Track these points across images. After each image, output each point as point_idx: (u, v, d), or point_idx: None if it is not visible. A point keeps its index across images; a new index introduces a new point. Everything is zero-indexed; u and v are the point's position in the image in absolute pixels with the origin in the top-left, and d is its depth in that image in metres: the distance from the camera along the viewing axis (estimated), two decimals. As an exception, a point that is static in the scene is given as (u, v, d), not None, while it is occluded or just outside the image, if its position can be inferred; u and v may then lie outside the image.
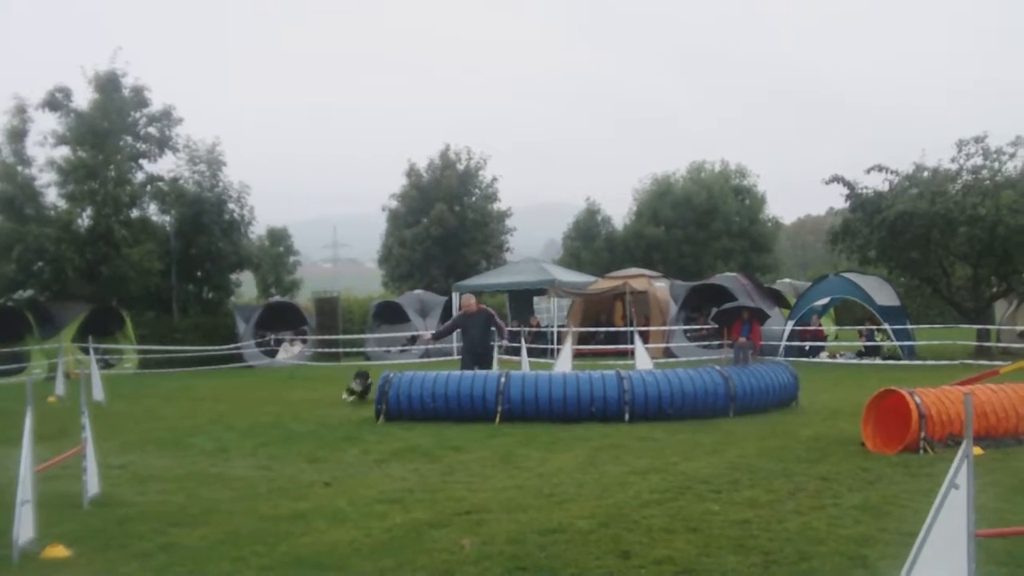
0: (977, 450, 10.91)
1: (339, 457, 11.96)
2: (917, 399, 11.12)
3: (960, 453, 4.65)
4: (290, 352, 34.41)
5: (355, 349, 34.97)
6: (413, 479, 10.24)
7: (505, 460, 11.34)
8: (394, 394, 15.08)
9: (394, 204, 48.90)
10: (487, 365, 17.02)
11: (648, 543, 7.34)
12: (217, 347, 33.29)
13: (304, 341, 35.08)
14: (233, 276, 40.44)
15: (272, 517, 8.53)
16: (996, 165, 28.08)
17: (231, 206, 38.51)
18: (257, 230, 42.85)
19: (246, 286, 45.93)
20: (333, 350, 34.17)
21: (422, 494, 9.41)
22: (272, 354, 34.05)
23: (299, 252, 52.56)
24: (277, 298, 40.83)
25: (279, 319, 35.61)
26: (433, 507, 8.78)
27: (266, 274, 46.94)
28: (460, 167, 47.75)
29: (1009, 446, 11.31)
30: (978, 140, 28.21)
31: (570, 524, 7.95)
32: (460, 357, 18.25)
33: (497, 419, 14.43)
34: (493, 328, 17.49)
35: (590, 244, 52.68)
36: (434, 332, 20.35)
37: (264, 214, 42.56)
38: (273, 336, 34.96)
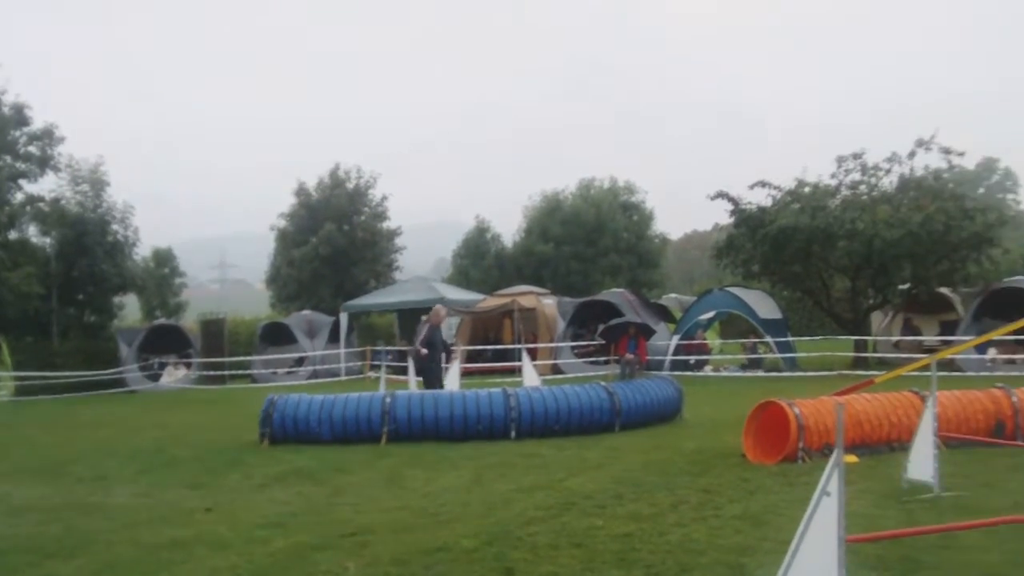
0: (852, 458, 11.21)
1: (222, 482, 11.78)
2: (796, 410, 11.37)
3: (831, 462, 4.77)
4: (174, 376, 33.80)
5: (241, 372, 34.45)
6: (297, 502, 10.14)
7: (391, 481, 11.29)
8: (279, 417, 14.90)
9: (283, 223, 48.41)
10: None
11: (532, 560, 7.37)
12: (98, 372, 32.52)
13: (189, 364, 34.49)
14: (116, 299, 39.66)
15: (152, 545, 8.35)
16: (873, 180, 28.90)
17: (115, 227, 37.80)
18: (142, 251, 42.16)
19: (130, 309, 45.09)
20: (219, 373, 33.60)
21: (306, 517, 9.32)
22: (156, 378, 33.41)
23: (185, 273, 51.72)
24: (162, 321, 40.10)
25: (164, 342, 34.94)
26: (317, 530, 8.70)
27: (151, 296, 46.07)
28: (350, 186, 47.48)
29: (883, 453, 11.63)
30: (856, 156, 28.99)
31: (455, 543, 7.94)
32: (422, 376, 18.29)
33: (383, 440, 14.36)
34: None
35: (479, 262, 52.80)
36: (421, 342, 18.59)
37: (149, 235, 41.88)
38: (157, 360, 34.32)
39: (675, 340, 28.46)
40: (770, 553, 7.09)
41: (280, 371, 34.17)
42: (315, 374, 32.49)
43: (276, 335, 35.41)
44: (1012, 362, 24.35)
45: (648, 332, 24.24)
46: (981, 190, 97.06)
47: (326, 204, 46.36)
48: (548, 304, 32.36)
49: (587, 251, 51.32)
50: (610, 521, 8.61)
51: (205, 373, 33.74)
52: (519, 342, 29.21)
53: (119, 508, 10.24)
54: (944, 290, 28.74)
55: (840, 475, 4.73)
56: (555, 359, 29.92)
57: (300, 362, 34.23)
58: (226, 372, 33.82)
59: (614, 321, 24.93)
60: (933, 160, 28.87)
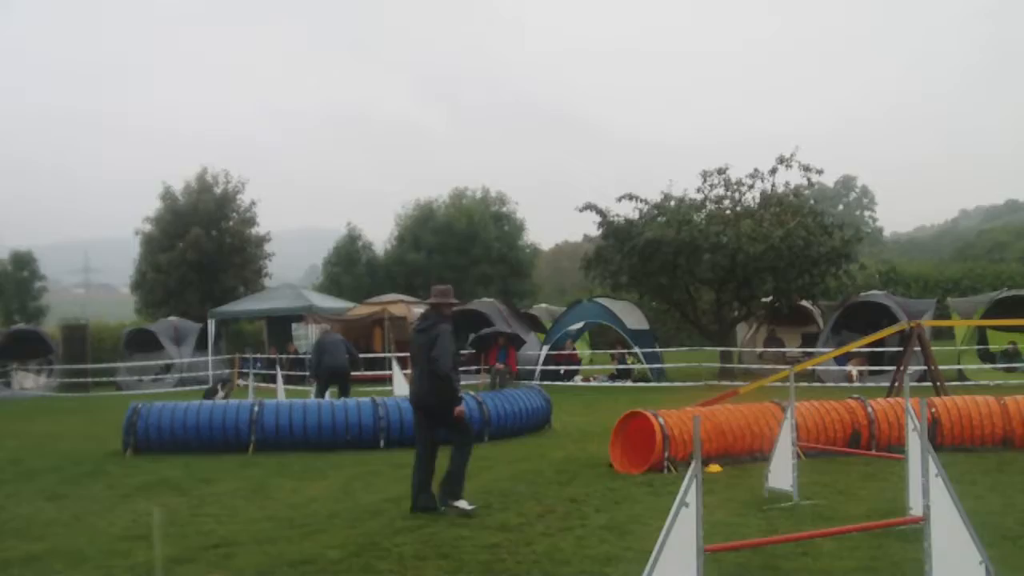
0: (716, 468, 11.45)
1: (82, 493, 11.46)
2: (661, 420, 11.55)
3: (689, 472, 4.86)
4: (35, 383, 32.76)
5: (106, 379, 33.55)
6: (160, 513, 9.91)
7: (257, 491, 11.14)
8: (143, 425, 14.56)
9: (148, 227, 47.15)
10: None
11: (398, 571, 7.35)
12: (-50, 379, 31.36)
13: (50, 371, 33.49)
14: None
15: (3, 561, 8.07)
16: (736, 195, 29.54)
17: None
18: (-2, 253, 40.77)
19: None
20: (82, 380, 32.69)
21: (169, 528, 9.13)
22: (11, 385, 32.34)
23: (46, 277, 50.26)
24: (21, 326, 38.81)
25: (23, 348, 33.83)
26: (180, 542, 8.54)
27: (9, 300, 44.65)
28: (217, 190, 46.57)
29: (746, 463, 11.88)
30: (720, 172, 29.59)
31: (320, 554, 7.88)
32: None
33: (251, 449, 14.16)
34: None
35: (351, 269, 52.42)
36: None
37: (7, 237, 40.55)
38: (15, 366, 33.22)
39: (545, 350, 28.67)
40: (634, 563, 7.18)
41: (146, 378, 33.35)
42: (182, 381, 31.83)
43: (142, 342, 34.50)
44: (862, 374, 25.09)
45: (518, 342, 24.46)
46: (840, 207, 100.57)
47: (193, 208, 45.35)
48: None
49: (459, 260, 51.32)
50: (477, 531, 8.64)
51: (67, 380, 32.80)
52: (389, 351, 29.12)
53: (-31, 522, 9.89)
54: (805, 303, 29.55)
55: (698, 486, 4.83)
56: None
57: (167, 369, 33.46)
58: (89, 379, 32.89)
59: (484, 331, 25.06)
60: (794, 177, 29.70)
